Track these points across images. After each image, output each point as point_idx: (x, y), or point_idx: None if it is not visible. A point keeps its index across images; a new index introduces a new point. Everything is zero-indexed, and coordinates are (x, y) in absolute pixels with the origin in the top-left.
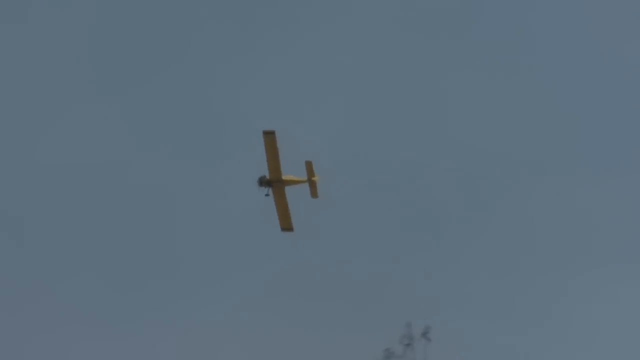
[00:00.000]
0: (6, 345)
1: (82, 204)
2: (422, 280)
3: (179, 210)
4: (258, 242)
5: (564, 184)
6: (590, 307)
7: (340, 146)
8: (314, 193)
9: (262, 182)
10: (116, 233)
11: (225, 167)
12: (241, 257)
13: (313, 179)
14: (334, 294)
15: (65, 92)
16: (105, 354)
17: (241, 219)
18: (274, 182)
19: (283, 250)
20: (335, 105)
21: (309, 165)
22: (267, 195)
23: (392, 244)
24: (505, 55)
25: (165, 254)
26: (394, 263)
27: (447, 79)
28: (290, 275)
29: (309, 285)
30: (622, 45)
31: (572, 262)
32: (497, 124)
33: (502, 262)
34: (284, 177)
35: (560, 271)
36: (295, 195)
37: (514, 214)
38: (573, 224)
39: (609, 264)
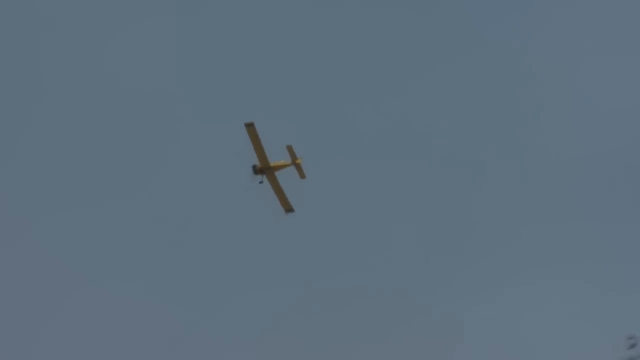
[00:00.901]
0: None
1: None
2: None
3: None
4: None
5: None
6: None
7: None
8: (301, 174)
9: (256, 170)
10: None
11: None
12: None
13: (297, 161)
14: None
15: None
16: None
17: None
18: (265, 170)
19: None
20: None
21: (290, 149)
22: (261, 182)
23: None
24: None
25: None
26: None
27: None
28: None
29: None
30: None
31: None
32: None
33: None
34: (272, 164)
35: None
36: (284, 179)
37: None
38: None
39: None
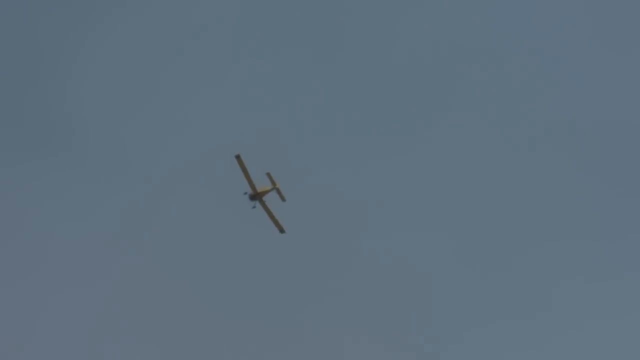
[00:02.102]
0: None
1: None
2: None
3: None
4: None
5: None
6: None
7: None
8: (282, 197)
9: (252, 197)
10: None
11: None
12: None
13: (276, 186)
14: None
15: None
16: None
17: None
18: (256, 196)
19: None
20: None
21: (269, 176)
22: (254, 207)
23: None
24: None
25: None
26: None
27: None
28: None
29: None
30: None
31: None
32: None
33: None
34: (258, 190)
35: None
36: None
37: None
38: None
39: None
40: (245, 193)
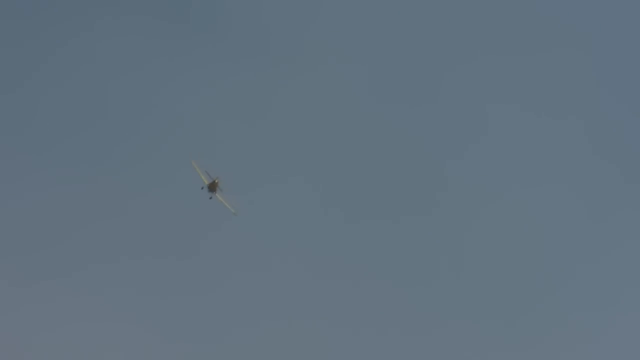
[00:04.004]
0: None
1: None
2: None
3: None
4: None
5: None
6: None
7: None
8: (220, 188)
9: (209, 189)
10: None
11: None
12: None
13: (216, 181)
14: None
15: None
16: None
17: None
18: (209, 188)
19: None
20: None
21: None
22: (211, 198)
23: None
24: None
25: None
26: None
27: None
28: None
29: None
30: None
31: None
32: None
33: None
34: (207, 182)
35: None
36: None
37: None
38: None
39: None
40: (202, 188)
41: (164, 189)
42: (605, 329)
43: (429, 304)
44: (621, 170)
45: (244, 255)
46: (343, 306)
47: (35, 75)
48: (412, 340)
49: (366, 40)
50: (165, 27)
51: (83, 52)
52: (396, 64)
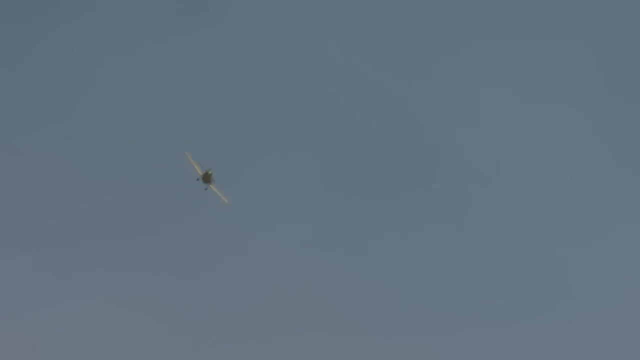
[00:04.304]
0: None
1: None
2: None
3: None
4: None
5: None
6: None
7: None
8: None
9: (204, 180)
10: None
11: None
12: None
13: (209, 172)
14: None
15: None
16: None
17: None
18: (203, 179)
19: None
20: None
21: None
22: (206, 189)
23: None
24: None
25: None
26: None
27: None
28: None
29: None
30: None
31: None
32: None
33: None
34: (201, 174)
35: None
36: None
37: None
38: None
39: None
40: (197, 179)
41: (156, 171)
42: (609, 308)
43: (426, 284)
44: (617, 154)
45: (239, 231)
46: (343, 283)
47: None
48: (410, 319)
49: (362, 22)
50: (162, 6)
51: (76, 32)
52: (393, 46)
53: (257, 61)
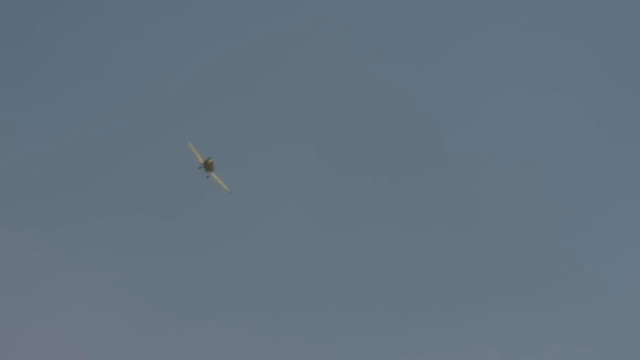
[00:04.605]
0: None
1: None
2: None
3: None
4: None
5: None
6: None
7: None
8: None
9: (206, 169)
10: None
11: None
12: None
13: (210, 161)
14: None
15: None
16: None
17: None
18: (205, 166)
19: None
20: None
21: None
22: (207, 177)
23: None
24: None
25: None
26: None
27: None
28: None
29: None
30: None
31: None
32: None
33: None
34: (202, 161)
35: None
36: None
37: None
38: None
39: None
40: (200, 168)
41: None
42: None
43: (430, 260)
44: (616, 130)
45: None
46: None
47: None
48: (413, 299)
49: (366, 10)
50: None
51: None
52: (398, 35)
53: (259, 46)
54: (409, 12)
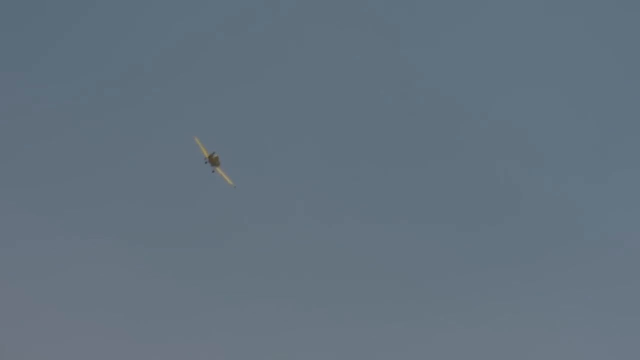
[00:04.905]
0: None
1: None
2: None
3: None
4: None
5: None
6: None
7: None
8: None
9: (212, 163)
10: None
11: None
12: None
13: (215, 155)
14: None
15: None
16: None
17: None
18: (209, 161)
19: None
20: None
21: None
22: (213, 172)
23: None
24: None
25: None
26: None
27: None
28: None
29: None
30: None
31: None
32: None
33: None
34: (207, 155)
35: None
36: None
37: None
38: None
39: None
40: (205, 162)
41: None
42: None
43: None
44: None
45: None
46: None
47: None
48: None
49: None
50: None
51: None
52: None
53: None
54: None
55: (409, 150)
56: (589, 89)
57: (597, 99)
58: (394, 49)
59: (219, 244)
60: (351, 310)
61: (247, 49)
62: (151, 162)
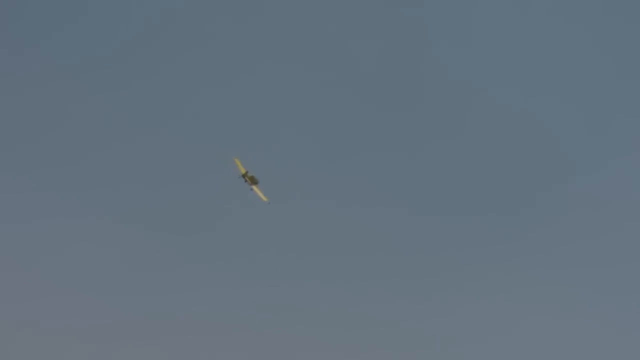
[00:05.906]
0: None
1: None
2: None
3: None
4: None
5: None
6: None
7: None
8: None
9: (251, 182)
10: None
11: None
12: None
13: (251, 174)
14: None
15: None
16: None
17: None
18: (246, 178)
19: None
20: None
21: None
22: (251, 190)
23: None
24: None
25: None
26: None
27: None
28: None
29: None
30: None
31: None
32: None
33: None
34: (242, 172)
35: None
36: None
37: None
38: None
39: None
40: (239, 177)
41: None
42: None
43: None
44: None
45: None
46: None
47: None
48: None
49: None
50: None
51: None
52: None
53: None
54: None
55: (407, 127)
56: (589, 88)
57: (598, 98)
58: (397, 43)
59: (212, 227)
60: (359, 288)
61: (248, 43)
62: (155, 149)
